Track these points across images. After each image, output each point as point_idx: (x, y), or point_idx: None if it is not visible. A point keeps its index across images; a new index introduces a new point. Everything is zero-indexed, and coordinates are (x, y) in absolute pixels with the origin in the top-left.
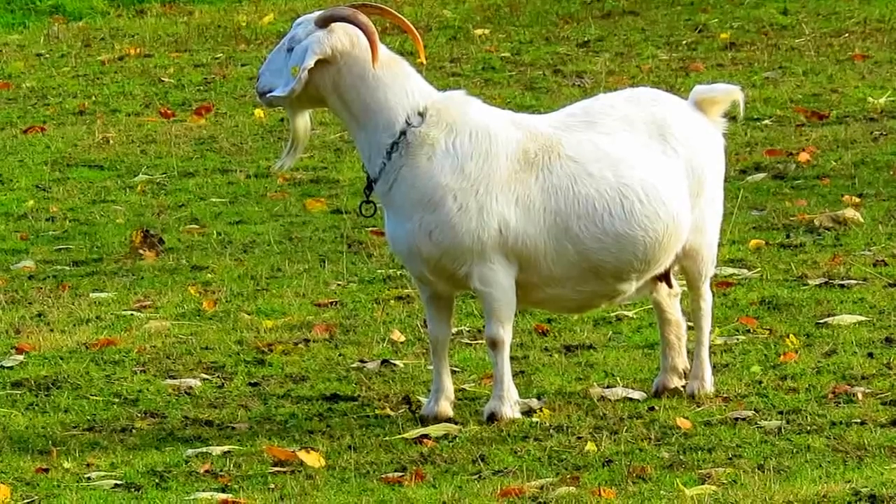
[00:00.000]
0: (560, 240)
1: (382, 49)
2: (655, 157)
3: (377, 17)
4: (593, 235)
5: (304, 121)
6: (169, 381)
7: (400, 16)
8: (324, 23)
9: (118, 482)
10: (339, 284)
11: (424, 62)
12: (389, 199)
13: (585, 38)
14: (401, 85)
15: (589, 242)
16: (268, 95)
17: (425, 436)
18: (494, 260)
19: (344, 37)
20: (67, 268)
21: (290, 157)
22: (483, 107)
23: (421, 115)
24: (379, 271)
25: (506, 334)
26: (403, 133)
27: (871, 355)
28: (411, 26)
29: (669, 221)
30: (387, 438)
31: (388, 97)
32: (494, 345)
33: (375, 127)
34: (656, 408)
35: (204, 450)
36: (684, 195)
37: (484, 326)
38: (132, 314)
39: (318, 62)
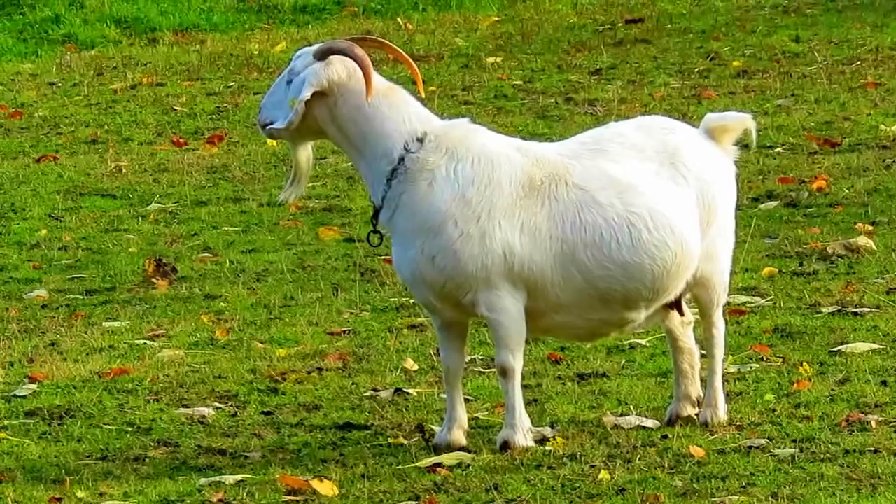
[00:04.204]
0: (567, 267)
1: (380, 79)
2: (666, 186)
3: (377, 49)
4: (600, 263)
5: (305, 152)
6: (182, 410)
7: (398, 49)
8: (322, 55)
9: None
10: (352, 313)
11: (423, 94)
12: (393, 226)
13: (597, 66)
14: (398, 112)
15: (596, 270)
16: (268, 128)
17: (438, 464)
18: (501, 287)
19: (341, 69)
20: (80, 297)
21: (294, 189)
22: (488, 134)
23: (420, 140)
24: (392, 300)
25: (516, 362)
26: (402, 159)
27: (884, 383)
28: (409, 59)
29: (678, 250)
30: (400, 467)
31: (385, 125)
32: (505, 373)
33: (374, 155)
34: (670, 436)
35: (217, 479)
36: (694, 224)
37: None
38: (145, 343)
39: (315, 94)
